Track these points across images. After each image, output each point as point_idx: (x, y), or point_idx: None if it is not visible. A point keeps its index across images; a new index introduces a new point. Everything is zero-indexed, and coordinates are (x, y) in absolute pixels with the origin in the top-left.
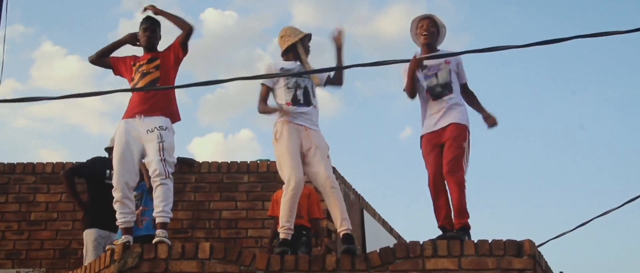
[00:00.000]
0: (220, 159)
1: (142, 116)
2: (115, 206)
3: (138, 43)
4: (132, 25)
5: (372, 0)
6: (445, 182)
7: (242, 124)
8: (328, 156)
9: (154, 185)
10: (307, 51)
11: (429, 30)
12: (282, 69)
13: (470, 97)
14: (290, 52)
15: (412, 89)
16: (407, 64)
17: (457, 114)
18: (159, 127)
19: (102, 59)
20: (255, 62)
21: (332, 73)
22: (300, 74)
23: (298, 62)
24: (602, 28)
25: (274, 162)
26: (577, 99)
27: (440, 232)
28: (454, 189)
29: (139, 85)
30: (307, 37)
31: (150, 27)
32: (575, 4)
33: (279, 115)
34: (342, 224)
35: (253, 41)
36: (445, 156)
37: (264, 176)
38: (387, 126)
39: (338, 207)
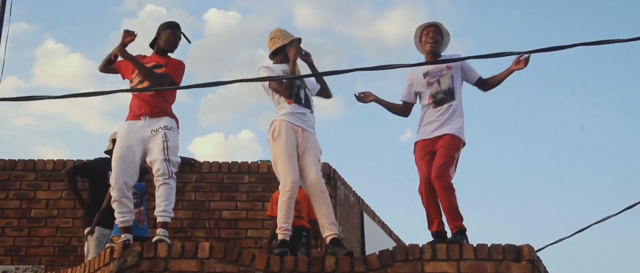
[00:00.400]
0: (221, 159)
1: (147, 117)
2: (114, 205)
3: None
4: (135, 24)
5: (374, 2)
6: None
7: (243, 125)
8: (320, 160)
9: (156, 184)
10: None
11: (435, 38)
12: (283, 71)
13: (489, 81)
14: (279, 55)
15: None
16: (411, 71)
17: (456, 125)
18: (164, 127)
19: (108, 67)
20: (258, 63)
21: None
22: (301, 77)
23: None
24: (603, 29)
25: None
26: (577, 101)
27: (432, 238)
28: (442, 193)
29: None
30: (297, 41)
31: (176, 32)
32: (576, 7)
33: (277, 113)
34: (329, 228)
35: (255, 42)
36: (435, 162)
37: (264, 176)
38: (388, 128)
39: (326, 211)
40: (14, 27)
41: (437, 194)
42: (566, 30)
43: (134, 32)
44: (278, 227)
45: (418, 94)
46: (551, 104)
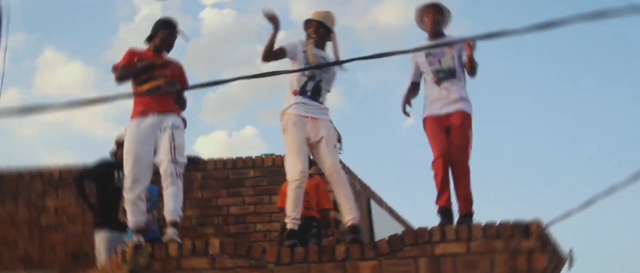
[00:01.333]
0: (225, 156)
1: (156, 114)
2: (127, 207)
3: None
4: (132, 30)
5: None
6: (450, 166)
7: (245, 121)
8: (336, 145)
9: (164, 185)
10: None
11: (435, 18)
12: (304, 52)
13: (466, 66)
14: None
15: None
16: (414, 54)
17: (464, 103)
18: (172, 125)
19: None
20: (256, 59)
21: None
22: (305, 69)
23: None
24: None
25: (279, 156)
26: (579, 84)
27: (439, 215)
28: (462, 176)
29: (144, 85)
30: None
31: (173, 33)
32: None
33: (286, 103)
34: (348, 213)
35: (252, 38)
36: (454, 143)
37: (269, 170)
38: (389, 115)
39: (344, 197)
40: (13, 39)
41: (457, 178)
42: (565, 13)
43: None
44: (286, 216)
45: (422, 73)
46: (556, 85)
